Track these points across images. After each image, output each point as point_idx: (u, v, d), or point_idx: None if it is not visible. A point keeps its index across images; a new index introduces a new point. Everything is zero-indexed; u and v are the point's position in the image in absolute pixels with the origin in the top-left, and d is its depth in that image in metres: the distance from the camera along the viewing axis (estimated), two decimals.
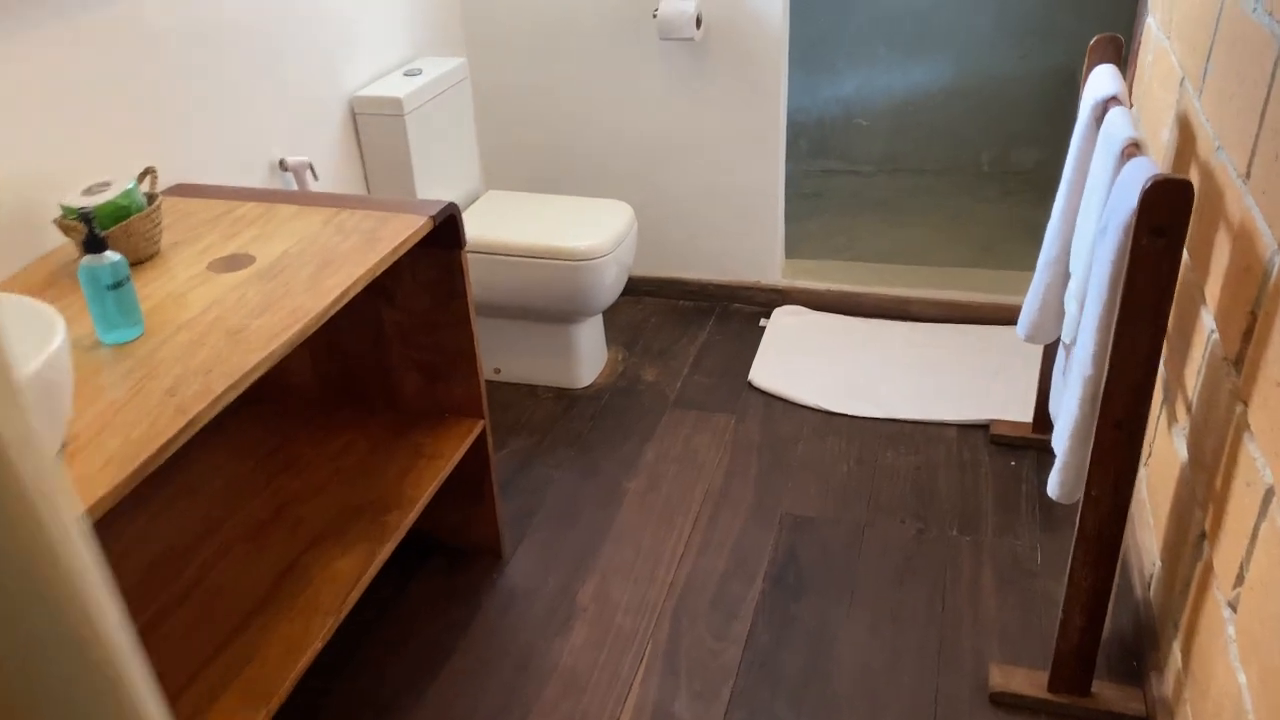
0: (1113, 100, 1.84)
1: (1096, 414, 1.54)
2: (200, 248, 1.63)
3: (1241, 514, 1.36)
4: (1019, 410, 2.48)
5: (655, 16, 2.70)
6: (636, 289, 3.13)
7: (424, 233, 1.69)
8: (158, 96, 1.84)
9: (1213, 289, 1.60)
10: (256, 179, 2.12)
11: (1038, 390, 2.35)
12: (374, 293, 1.91)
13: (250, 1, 2.05)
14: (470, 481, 2.06)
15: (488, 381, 2.74)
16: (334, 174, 2.38)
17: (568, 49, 2.90)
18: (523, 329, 2.66)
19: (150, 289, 1.51)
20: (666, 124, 2.93)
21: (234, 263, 1.58)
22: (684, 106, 2.89)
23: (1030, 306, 2.12)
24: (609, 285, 2.54)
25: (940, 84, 3.90)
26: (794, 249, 3.25)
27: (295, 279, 1.52)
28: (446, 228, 1.79)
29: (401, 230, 1.66)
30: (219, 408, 1.26)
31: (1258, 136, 1.44)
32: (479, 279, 2.54)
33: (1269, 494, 1.27)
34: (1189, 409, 1.69)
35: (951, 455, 2.37)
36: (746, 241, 3.04)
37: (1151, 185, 1.34)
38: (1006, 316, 2.86)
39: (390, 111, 2.39)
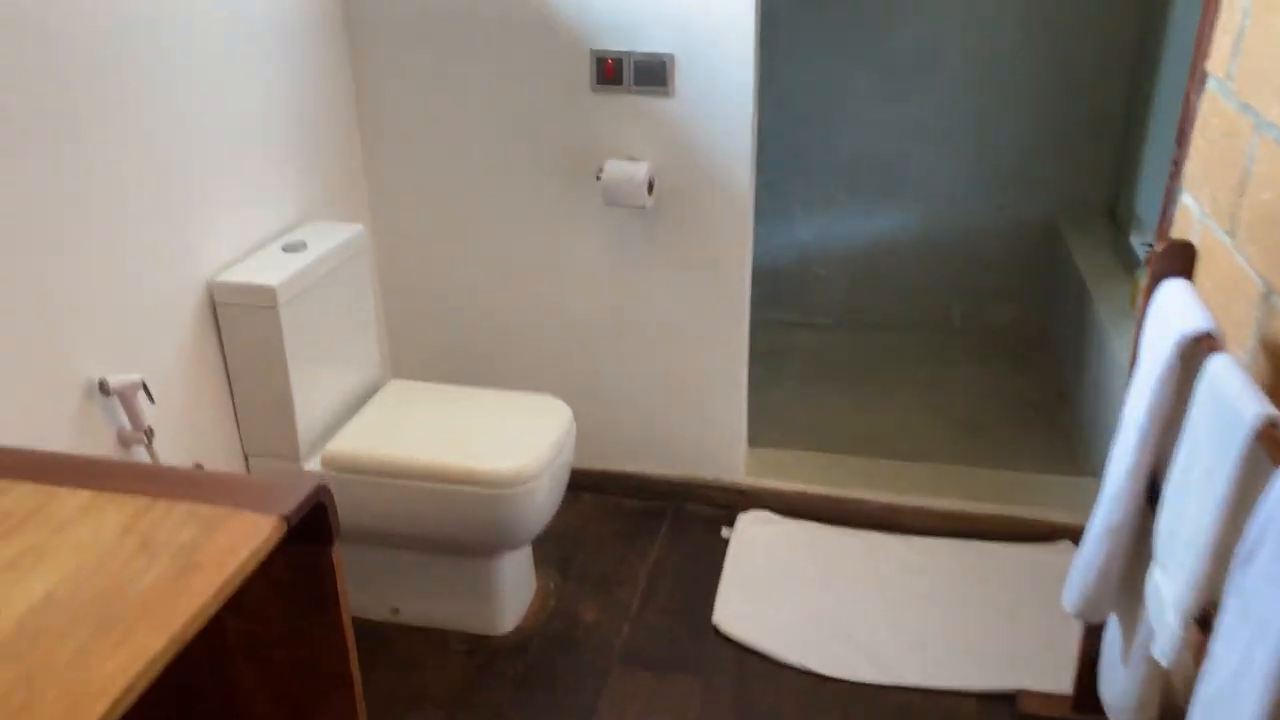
0: (1208, 340, 1.41)
1: None
2: None
3: None
4: (1050, 672, 2.00)
5: (599, 179, 2.24)
6: (574, 484, 2.59)
7: (270, 546, 1.16)
8: None
9: None
10: (64, 412, 1.56)
11: (1080, 655, 1.88)
12: None
13: (52, 157, 1.53)
14: None
15: (384, 624, 2.18)
16: (181, 384, 1.83)
17: (493, 211, 2.42)
18: (429, 559, 2.12)
19: None
20: (610, 299, 2.45)
21: None
22: (632, 280, 2.42)
23: (1082, 579, 1.65)
24: (539, 513, 2.02)
25: (906, 233, 3.53)
26: (755, 427, 2.77)
27: (49, 662, 0.96)
28: (312, 517, 1.26)
29: (234, 548, 1.12)
30: None
31: None
32: (372, 504, 2.00)
33: None
34: None
35: None
36: (704, 431, 2.55)
37: None
38: (1013, 531, 2.41)
39: (261, 302, 1.87)
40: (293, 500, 1.21)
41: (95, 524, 1.16)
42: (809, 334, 3.57)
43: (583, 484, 2.62)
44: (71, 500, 1.21)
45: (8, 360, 1.45)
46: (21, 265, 1.46)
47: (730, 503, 2.57)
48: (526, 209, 2.40)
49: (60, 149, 1.51)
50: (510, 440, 2.02)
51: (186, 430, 1.85)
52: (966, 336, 3.54)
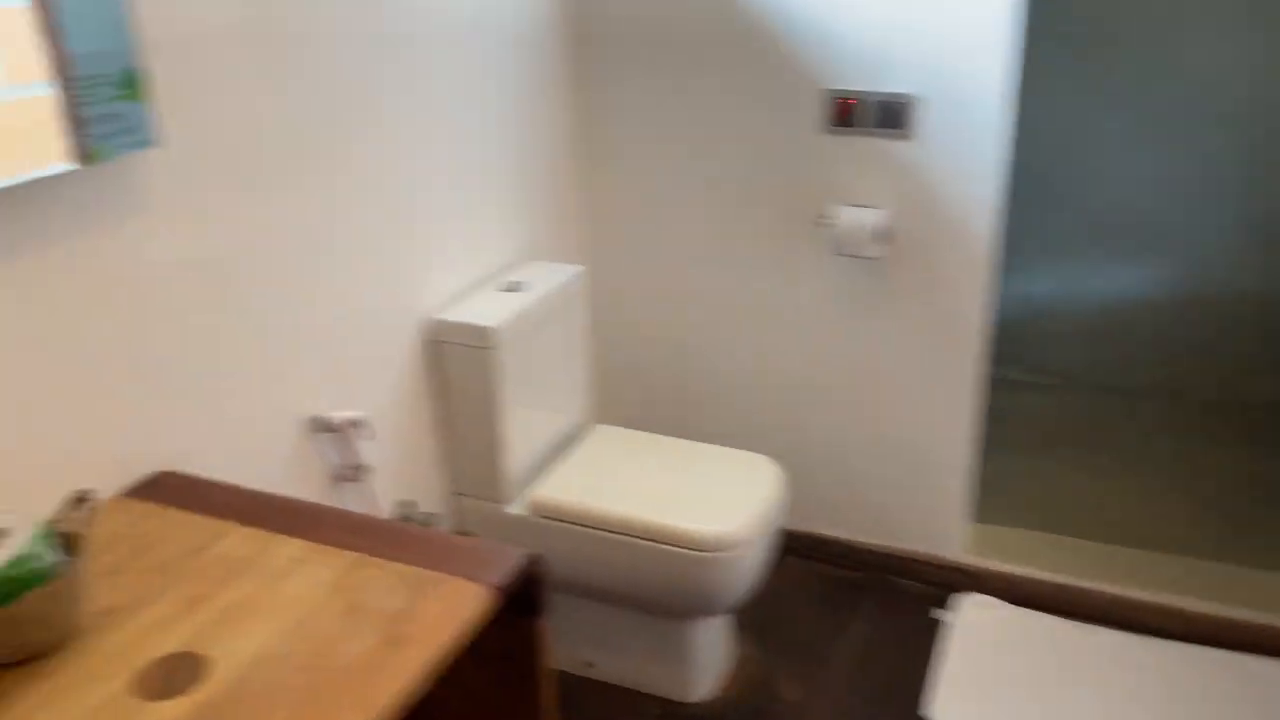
0: None
1: None
2: (141, 626, 1.06)
3: None
4: None
5: (826, 225, 2.11)
6: (778, 545, 2.47)
7: (481, 619, 1.09)
8: (139, 344, 1.32)
9: None
10: (283, 446, 1.57)
11: None
12: None
13: (285, 206, 1.54)
14: None
15: (576, 678, 2.11)
16: (395, 421, 1.82)
17: (711, 254, 2.33)
18: (626, 616, 2.03)
19: None
20: (828, 352, 2.31)
21: (174, 673, 0.99)
22: (853, 332, 2.27)
23: None
24: (742, 581, 1.90)
25: (1157, 291, 3.20)
26: (978, 501, 2.55)
27: None
28: (522, 584, 1.19)
29: (444, 619, 1.06)
30: None
31: None
32: (575, 554, 1.93)
33: None
34: None
35: None
36: (921, 501, 2.36)
37: None
38: None
39: (480, 343, 1.84)
40: (505, 568, 1.15)
41: (306, 579, 1.13)
42: (1037, 395, 3.29)
43: (786, 546, 2.48)
44: (284, 550, 1.18)
45: (235, 393, 1.47)
46: (258, 299, 1.48)
47: (945, 581, 2.36)
48: (747, 255, 2.29)
49: (297, 182, 1.53)
50: (718, 502, 1.91)
51: (396, 468, 1.85)
52: (1222, 410, 3.16)
